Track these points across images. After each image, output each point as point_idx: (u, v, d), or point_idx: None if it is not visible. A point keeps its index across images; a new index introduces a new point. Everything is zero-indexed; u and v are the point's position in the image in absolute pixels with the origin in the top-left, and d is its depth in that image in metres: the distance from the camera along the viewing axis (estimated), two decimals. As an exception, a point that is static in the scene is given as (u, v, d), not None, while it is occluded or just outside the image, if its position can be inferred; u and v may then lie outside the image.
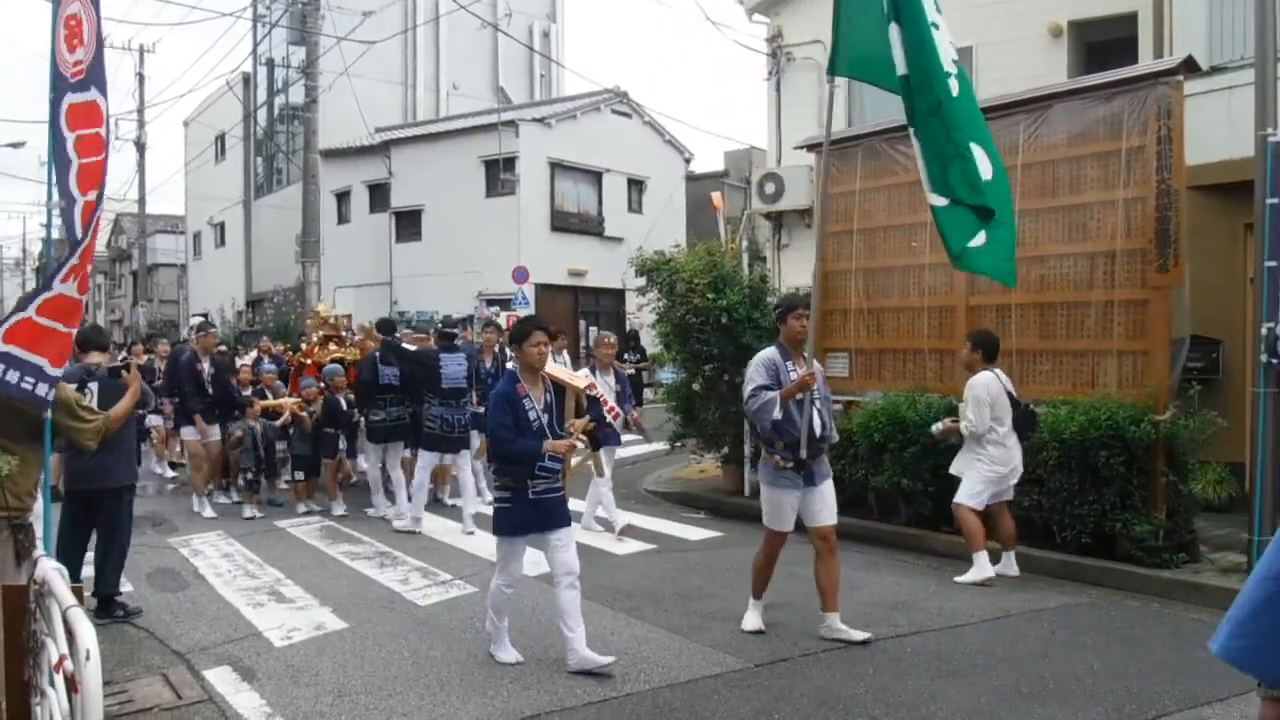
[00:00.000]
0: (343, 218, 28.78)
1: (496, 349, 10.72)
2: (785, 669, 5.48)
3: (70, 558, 5.84)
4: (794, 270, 14.66)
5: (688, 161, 28.46)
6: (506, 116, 25.40)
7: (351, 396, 10.34)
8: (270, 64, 33.16)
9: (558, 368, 6.36)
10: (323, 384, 10.49)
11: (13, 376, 4.28)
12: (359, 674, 5.44)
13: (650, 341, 15.74)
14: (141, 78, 34.53)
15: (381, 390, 9.75)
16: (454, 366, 9.31)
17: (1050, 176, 8.31)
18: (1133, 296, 7.72)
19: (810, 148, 10.89)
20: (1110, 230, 7.86)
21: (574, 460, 6.26)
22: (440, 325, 9.78)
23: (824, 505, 5.89)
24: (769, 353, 5.97)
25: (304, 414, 10.30)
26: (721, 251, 10.97)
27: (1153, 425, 7.23)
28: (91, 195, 4.59)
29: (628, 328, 22.91)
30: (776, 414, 5.70)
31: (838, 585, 5.95)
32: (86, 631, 2.95)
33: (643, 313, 13.81)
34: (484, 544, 8.56)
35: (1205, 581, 6.87)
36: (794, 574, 7.75)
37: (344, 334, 12.00)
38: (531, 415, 5.37)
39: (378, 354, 9.96)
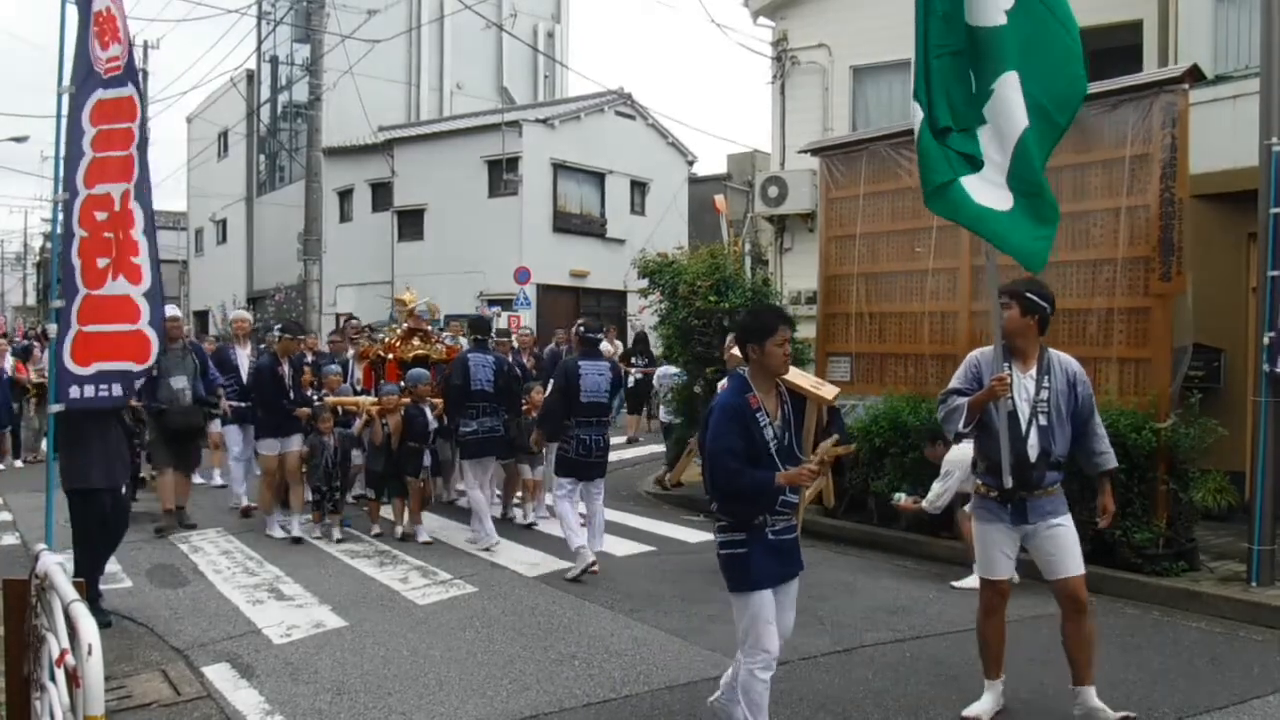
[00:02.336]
0: (345, 216, 28.76)
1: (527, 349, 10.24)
2: (784, 672, 5.47)
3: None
4: (796, 274, 14.67)
5: (691, 164, 28.44)
6: (510, 117, 25.40)
7: (432, 405, 9.13)
8: (274, 61, 33.12)
9: (799, 374, 4.92)
10: (404, 388, 9.22)
11: (104, 390, 4.74)
12: (358, 672, 5.45)
13: (654, 343, 15.73)
14: (145, 73, 34.50)
15: (474, 397, 8.51)
16: (595, 377, 7.78)
17: (1054, 183, 8.19)
18: (1135, 304, 7.72)
19: (814, 151, 10.89)
20: (1113, 238, 7.87)
21: (809, 489, 5.14)
22: (581, 328, 8.39)
23: (1058, 551, 4.63)
24: (981, 350, 4.91)
25: (379, 421, 8.98)
26: (724, 254, 10.98)
27: (1154, 433, 7.23)
28: (106, 189, 4.62)
29: (635, 330, 22.90)
30: (961, 425, 4.66)
31: (1092, 654, 4.80)
32: (88, 626, 2.95)
33: (645, 314, 13.84)
34: (466, 535, 8.58)
35: (1205, 590, 6.87)
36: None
37: (430, 328, 10.68)
38: (767, 434, 4.12)
39: (469, 356, 8.75)
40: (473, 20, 28.28)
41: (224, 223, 37.00)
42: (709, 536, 9.28)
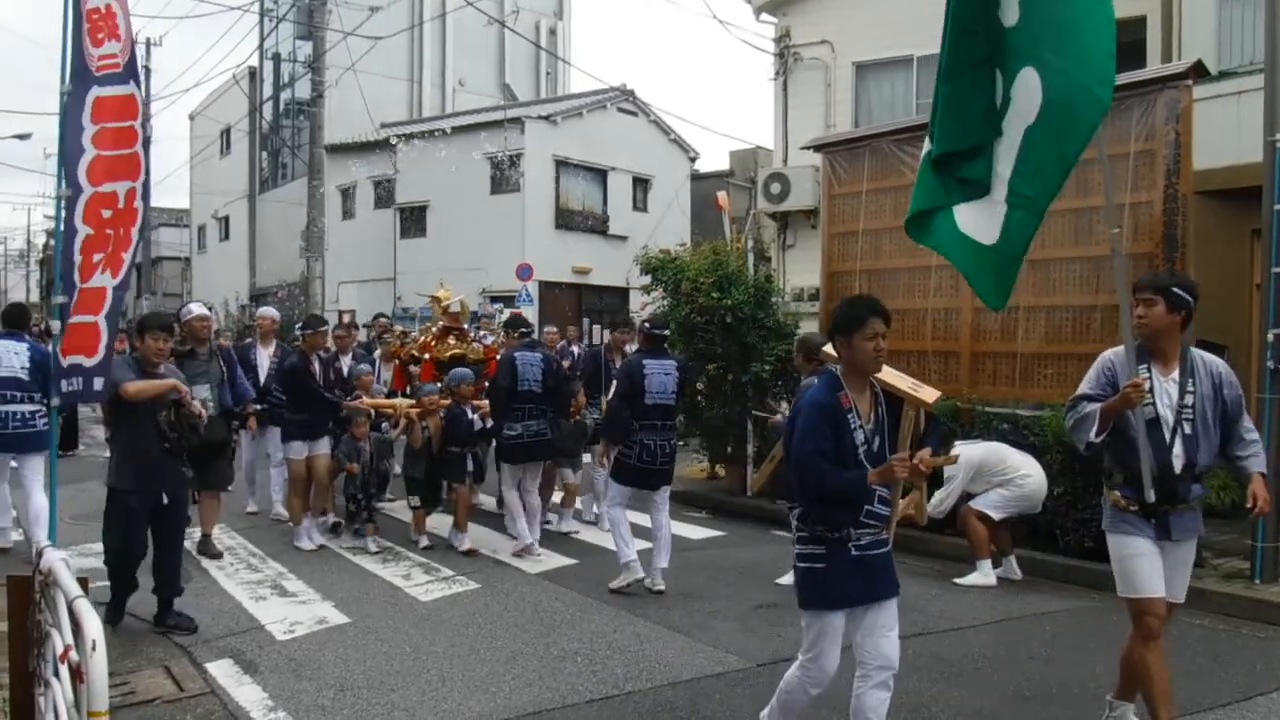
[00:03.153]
0: (347, 213, 28.77)
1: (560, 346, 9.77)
2: (787, 669, 5.46)
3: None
4: (799, 270, 14.68)
5: (693, 160, 28.43)
6: (512, 114, 25.39)
7: (474, 406, 8.56)
8: (277, 59, 33.11)
9: (896, 374, 4.52)
10: (444, 388, 8.62)
11: (71, 385, 4.67)
12: (361, 668, 5.45)
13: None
14: (148, 71, 34.48)
15: (521, 398, 7.96)
16: (661, 376, 7.19)
17: (1057, 179, 8.28)
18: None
19: (817, 148, 10.88)
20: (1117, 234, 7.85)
21: (901, 501, 4.59)
22: (647, 324, 7.71)
23: (1175, 574, 4.28)
24: (1114, 350, 4.39)
25: (419, 424, 8.41)
26: (726, 251, 10.97)
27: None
28: (112, 186, 4.62)
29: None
30: (1092, 434, 4.20)
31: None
32: (92, 622, 2.95)
33: (647, 311, 13.83)
34: (487, 539, 8.58)
35: (1208, 587, 6.85)
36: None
37: (466, 326, 10.13)
38: (858, 438, 3.78)
39: (516, 354, 8.12)
40: (475, 17, 28.27)
41: (226, 220, 37.02)
42: (712, 533, 9.31)
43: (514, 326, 8.89)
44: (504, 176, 24.58)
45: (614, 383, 7.99)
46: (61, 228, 4.69)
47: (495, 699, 4.98)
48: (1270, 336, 6.88)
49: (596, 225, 26.18)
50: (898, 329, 9.40)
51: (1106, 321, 7.89)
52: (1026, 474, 7.35)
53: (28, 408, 7.75)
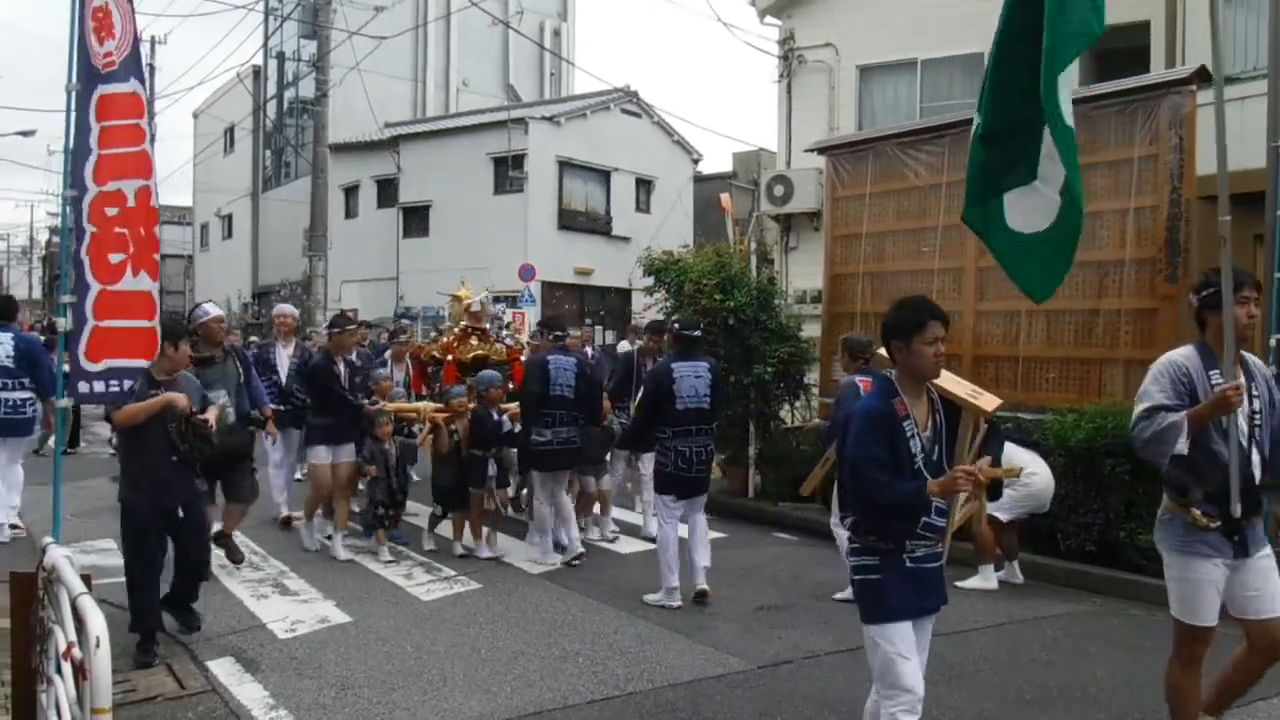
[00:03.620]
0: (351, 212, 28.79)
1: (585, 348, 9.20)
2: (788, 671, 5.48)
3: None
4: (802, 273, 14.67)
5: (696, 162, 28.44)
6: (516, 114, 25.40)
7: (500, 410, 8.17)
8: (281, 57, 33.16)
9: (954, 379, 4.29)
10: (470, 390, 8.28)
11: (115, 386, 4.72)
12: (362, 668, 5.45)
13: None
14: (152, 69, 34.50)
15: (552, 404, 7.61)
16: (692, 379, 6.85)
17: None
18: (1141, 305, 7.72)
19: (820, 151, 10.89)
20: (1120, 239, 7.86)
21: (959, 511, 4.35)
22: (676, 324, 7.39)
23: (1265, 587, 3.93)
24: (1179, 354, 4.07)
25: (445, 429, 8.07)
26: (729, 253, 10.97)
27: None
28: (117, 185, 4.64)
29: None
30: (1182, 446, 3.85)
31: (1241, 695, 4.33)
32: (96, 620, 2.96)
33: (649, 313, 13.83)
34: (501, 545, 8.58)
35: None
36: (797, 576, 7.77)
37: (487, 327, 9.66)
38: (914, 446, 3.58)
39: (548, 358, 7.76)
40: (479, 17, 28.26)
41: (229, 218, 37.06)
42: (713, 535, 9.20)
43: (549, 328, 8.33)
44: (507, 177, 24.57)
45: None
46: (69, 227, 4.70)
47: (496, 699, 4.99)
48: (1273, 341, 6.89)
49: (599, 226, 26.19)
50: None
51: (1108, 326, 7.89)
52: (1033, 472, 7.22)
53: (17, 395, 8.11)
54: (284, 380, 9.07)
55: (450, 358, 9.18)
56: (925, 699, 5.05)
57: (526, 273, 21.50)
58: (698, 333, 7.23)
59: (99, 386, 4.72)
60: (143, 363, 4.86)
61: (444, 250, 25.19)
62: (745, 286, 10.50)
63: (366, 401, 8.22)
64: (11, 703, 4.04)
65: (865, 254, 9.76)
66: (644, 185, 27.33)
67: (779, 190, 14.88)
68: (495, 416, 8.05)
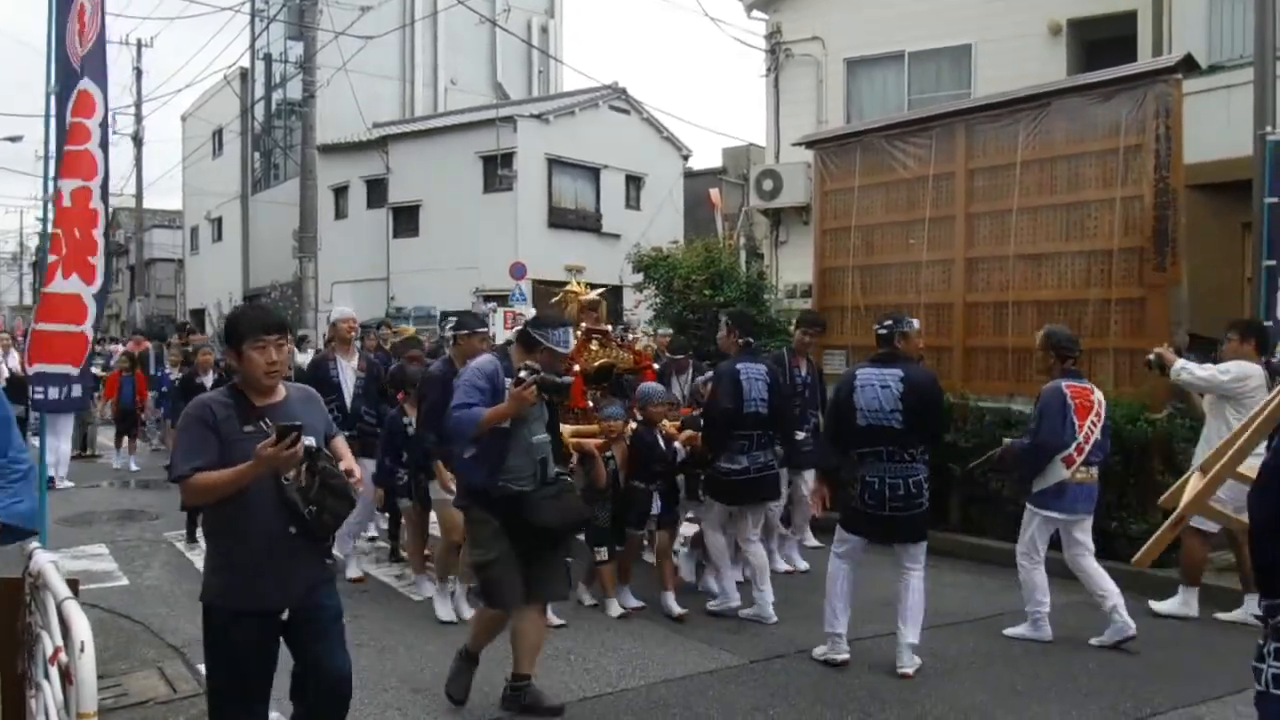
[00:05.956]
0: (340, 213, 28.73)
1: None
2: (780, 665, 5.48)
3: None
4: (791, 267, 14.66)
5: (686, 158, 28.44)
6: (504, 112, 25.37)
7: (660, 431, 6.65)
8: (268, 59, 33.05)
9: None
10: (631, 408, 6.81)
11: (53, 393, 4.61)
12: (354, 669, 5.42)
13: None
14: (139, 72, 34.49)
15: (745, 423, 6.21)
16: (756, 381, 6.24)
17: (1049, 174, 8.31)
18: (1130, 295, 7.73)
19: (809, 145, 10.88)
20: (1108, 228, 7.87)
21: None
22: (729, 320, 6.65)
23: None
24: None
25: (598, 457, 6.32)
26: (719, 248, 10.99)
27: (1149, 424, 7.23)
28: (75, 184, 4.57)
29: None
30: None
31: None
32: (81, 624, 2.93)
33: (640, 309, 13.84)
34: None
35: (1203, 581, 6.86)
36: (793, 576, 7.76)
37: (608, 328, 8.16)
38: None
39: (738, 366, 6.30)
40: (466, 16, 28.22)
41: (219, 221, 36.95)
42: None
43: (739, 327, 6.70)
44: (497, 175, 24.54)
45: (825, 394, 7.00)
46: (49, 229, 4.67)
47: (489, 698, 4.97)
48: (1263, 329, 6.89)
49: (589, 223, 26.17)
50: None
51: (1098, 315, 7.90)
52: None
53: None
54: (348, 401, 7.55)
55: (576, 367, 7.24)
56: (918, 691, 5.06)
57: (517, 271, 21.47)
58: (885, 330, 5.71)
59: (37, 393, 4.63)
60: (70, 369, 4.64)
61: (434, 250, 25.16)
62: (735, 281, 10.52)
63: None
64: (0, 708, 4.02)
65: (855, 247, 9.76)
66: (633, 182, 27.31)
67: (768, 185, 14.87)
68: (660, 440, 6.64)
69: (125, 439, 13.19)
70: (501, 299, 21.35)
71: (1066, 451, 5.76)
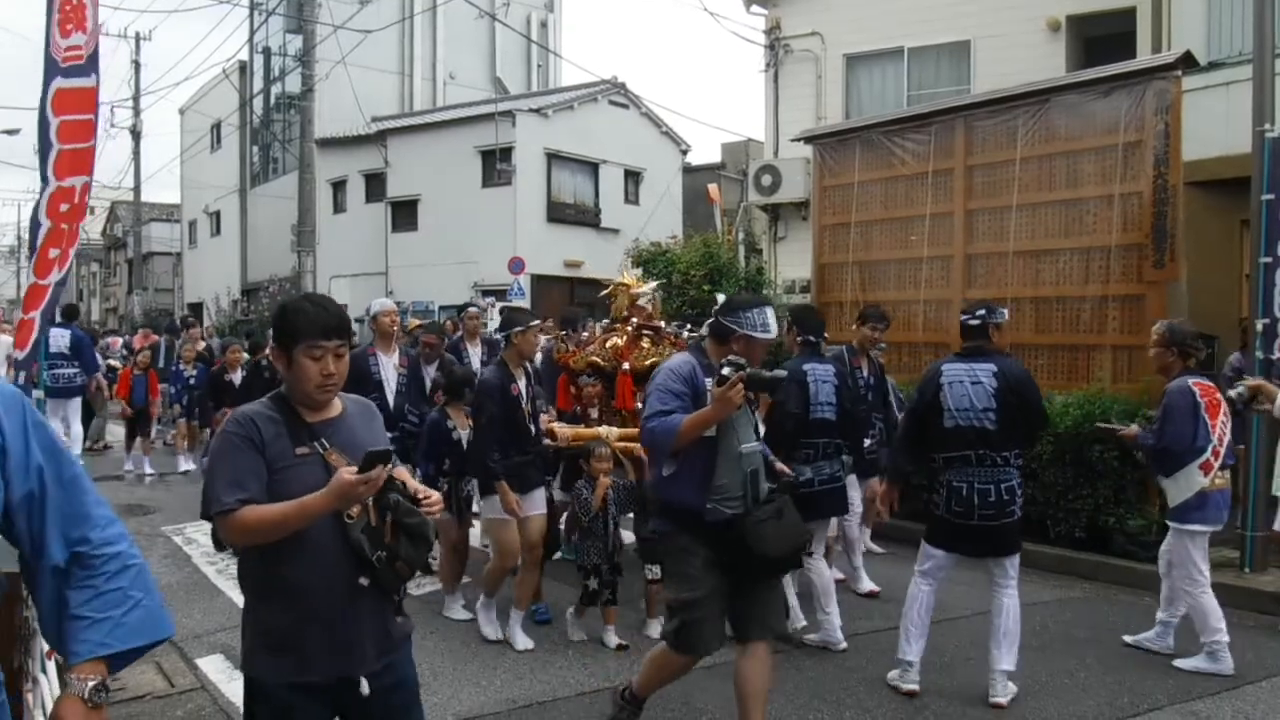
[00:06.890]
0: (339, 207, 28.69)
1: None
2: (778, 661, 5.45)
3: None
4: (790, 262, 14.66)
5: (685, 153, 28.40)
6: (503, 107, 25.31)
7: None
8: (267, 52, 32.98)
9: None
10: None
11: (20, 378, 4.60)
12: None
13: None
14: (137, 65, 34.42)
15: (814, 430, 5.67)
16: (823, 384, 5.73)
17: (1047, 170, 8.32)
18: (1128, 291, 7.74)
19: (808, 140, 10.88)
20: (1107, 225, 7.88)
21: None
22: (792, 317, 6.17)
23: None
24: None
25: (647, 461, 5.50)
26: (718, 243, 10.99)
27: (1147, 420, 7.23)
28: (71, 181, 4.58)
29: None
30: None
31: None
32: (78, 619, 2.93)
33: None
34: (477, 531, 8.56)
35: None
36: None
37: (662, 325, 7.37)
38: None
39: (805, 368, 5.74)
40: (465, 10, 28.15)
41: (217, 215, 36.90)
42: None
43: (803, 326, 6.03)
44: (495, 169, 24.51)
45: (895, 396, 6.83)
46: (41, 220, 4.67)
47: (486, 692, 4.98)
48: (1259, 326, 6.90)
49: (588, 218, 26.14)
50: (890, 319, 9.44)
51: (1096, 312, 7.91)
52: None
53: (68, 370, 11.17)
54: (391, 401, 7.04)
55: (626, 366, 6.80)
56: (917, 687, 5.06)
57: (516, 265, 21.46)
58: (976, 321, 5.12)
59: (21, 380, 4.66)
60: (18, 353, 4.65)
61: (433, 244, 25.14)
62: (734, 276, 10.53)
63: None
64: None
65: (853, 243, 9.76)
66: (632, 177, 27.28)
67: (767, 180, 14.86)
68: None
69: (138, 439, 12.80)
70: (500, 294, 21.33)
71: (1203, 456, 5.28)
